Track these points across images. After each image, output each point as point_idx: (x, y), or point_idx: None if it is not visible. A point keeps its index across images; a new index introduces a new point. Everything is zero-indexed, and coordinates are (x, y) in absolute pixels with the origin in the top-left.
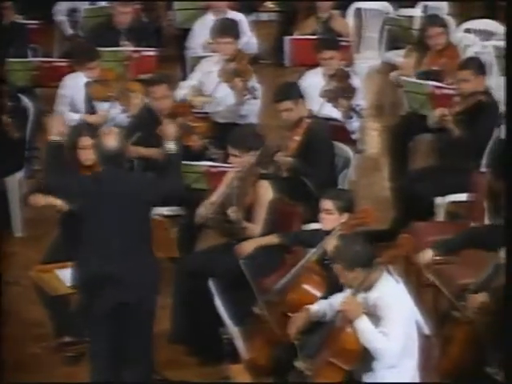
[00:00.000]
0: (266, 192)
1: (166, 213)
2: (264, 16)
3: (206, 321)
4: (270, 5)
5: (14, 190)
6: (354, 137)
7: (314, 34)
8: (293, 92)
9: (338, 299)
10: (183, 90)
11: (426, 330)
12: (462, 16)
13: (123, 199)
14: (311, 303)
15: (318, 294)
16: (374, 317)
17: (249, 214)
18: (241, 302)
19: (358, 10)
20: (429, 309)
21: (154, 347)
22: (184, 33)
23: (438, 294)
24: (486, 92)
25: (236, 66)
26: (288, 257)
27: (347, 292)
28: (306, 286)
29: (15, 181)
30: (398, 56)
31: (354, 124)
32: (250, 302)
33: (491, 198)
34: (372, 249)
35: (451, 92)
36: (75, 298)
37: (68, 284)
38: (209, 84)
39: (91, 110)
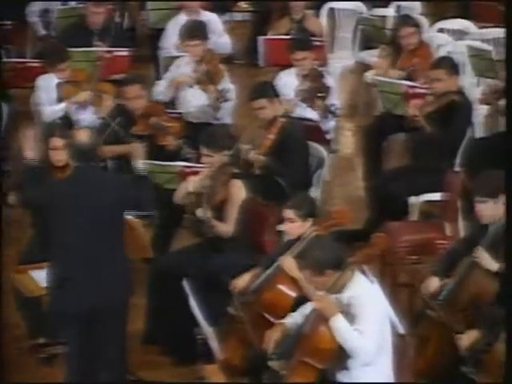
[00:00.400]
0: (239, 191)
1: (139, 213)
2: (238, 16)
3: (180, 321)
4: (243, 5)
5: None
6: (328, 136)
7: (288, 34)
8: (268, 91)
9: (309, 308)
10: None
11: (401, 330)
12: (436, 16)
13: (97, 199)
14: (286, 303)
15: (293, 294)
16: (349, 315)
17: (221, 213)
18: (215, 303)
19: (332, 9)
20: (404, 308)
21: (128, 348)
22: (157, 33)
23: (413, 294)
24: (459, 91)
25: (206, 67)
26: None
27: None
28: (281, 287)
29: None
30: (371, 56)
31: (329, 124)
32: (225, 302)
33: (464, 197)
34: (342, 249)
35: (425, 91)
36: (47, 300)
37: (43, 285)
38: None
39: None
